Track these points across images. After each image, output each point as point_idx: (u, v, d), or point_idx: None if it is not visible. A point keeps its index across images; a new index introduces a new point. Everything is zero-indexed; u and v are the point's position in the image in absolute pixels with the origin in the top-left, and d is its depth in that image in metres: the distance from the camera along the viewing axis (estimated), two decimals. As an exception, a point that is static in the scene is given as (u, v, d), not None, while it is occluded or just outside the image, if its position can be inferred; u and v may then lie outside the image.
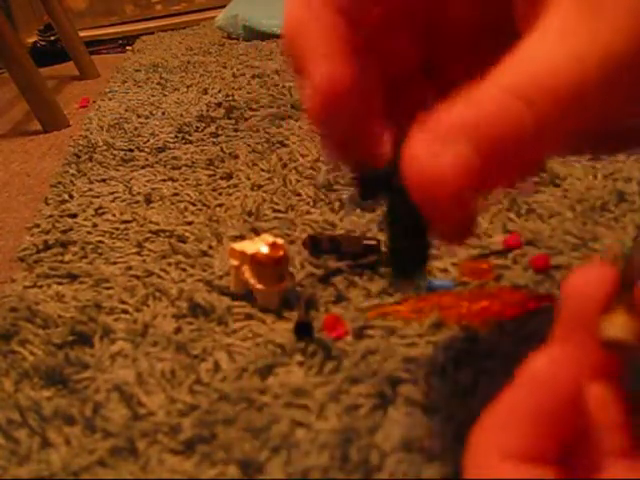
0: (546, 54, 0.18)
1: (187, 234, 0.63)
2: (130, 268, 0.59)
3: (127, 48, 1.86)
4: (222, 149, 0.84)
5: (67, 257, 0.63)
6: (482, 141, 0.18)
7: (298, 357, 0.45)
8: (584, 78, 0.17)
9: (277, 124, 0.91)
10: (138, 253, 0.62)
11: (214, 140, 0.89)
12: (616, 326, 0.17)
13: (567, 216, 0.57)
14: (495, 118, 0.18)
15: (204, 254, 0.59)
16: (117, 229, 0.67)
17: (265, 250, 0.49)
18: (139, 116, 1.04)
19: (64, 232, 0.68)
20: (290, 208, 0.66)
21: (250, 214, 0.66)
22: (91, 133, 0.99)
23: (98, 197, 0.76)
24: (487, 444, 0.17)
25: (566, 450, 0.17)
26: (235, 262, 0.51)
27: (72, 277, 0.59)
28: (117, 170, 0.84)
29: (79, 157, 0.90)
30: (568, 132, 0.18)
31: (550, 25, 0.18)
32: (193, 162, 0.82)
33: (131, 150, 0.90)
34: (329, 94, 0.20)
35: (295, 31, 0.21)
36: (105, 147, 0.92)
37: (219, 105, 1.02)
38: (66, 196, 0.77)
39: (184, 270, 0.57)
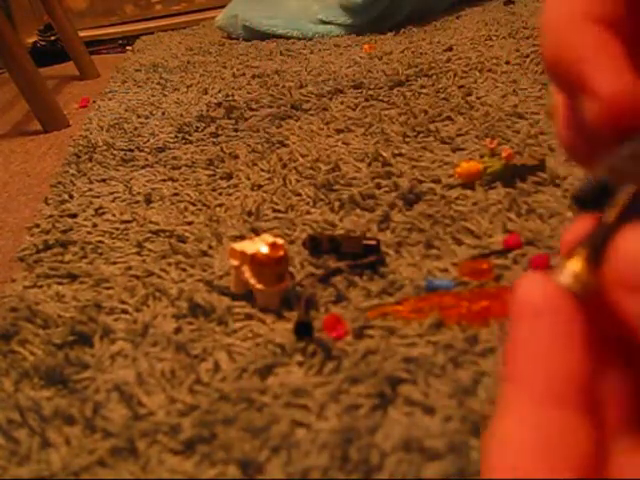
0: None
1: (187, 234, 0.63)
2: (130, 268, 0.59)
3: (127, 48, 1.86)
4: (222, 149, 0.84)
5: (67, 257, 0.63)
6: None
7: (298, 357, 0.45)
8: None
9: (277, 124, 0.91)
10: (138, 253, 0.62)
11: (214, 140, 0.89)
12: (569, 273, 0.16)
13: (567, 216, 0.57)
14: None
15: (204, 254, 0.59)
16: (117, 229, 0.67)
17: (265, 250, 0.49)
18: (139, 116, 1.04)
19: (64, 232, 0.68)
20: (290, 208, 0.66)
21: (250, 214, 0.66)
22: (91, 133, 0.99)
23: (98, 197, 0.76)
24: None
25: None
26: (235, 262, 0.51)
27: (72, 277, 0.59)
28: (117, 170, 0.84)
29: (79, 157, 0.90)
30: None
31: None
32: (193, 162, 0.82)
33: (131, 150, 0.90)
34: (619, 108, 0.19)
35: (562, 46, 0.19)
36: (105, 147, 0.92)
37: (219, 105, 1.02)
38: (66, 196, 0.77)
39: (184, 270, 0.57)
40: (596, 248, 0.16)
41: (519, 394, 0.16)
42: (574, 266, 0.16)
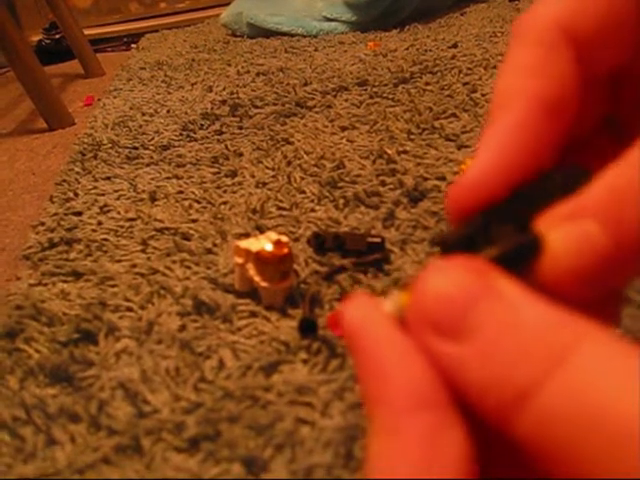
0: None
1: (192, 232, 0.63)
2: (135, 266, 0.59)
3: (132, 46, 1.86)
4: (227, 147, 0.84)
5: (72, 255, 0.63)
6: (611, 221, 0.15)
7: (302, 355, 0.45)
8: None
9: (281, 122, 0.91)
10: (143, 251, 0.62)
11: (219, 138, 0.89)
12: (395, 301, 0.17)
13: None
14: (630, 198, 0.15)
15: (209, 252, 0.59)
16: (122, 227, 0.67)
17: (269, 248, 0.49)
18: (144, 114, 1.04)
19: (69, 230, 0.68)
20: (294, 206, 0.66)
21: (255, 212, 0.66)
22: (96, 131, 0.99)
23: (103, 195, 0.76)
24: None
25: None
26: (240, 260, 0.50)
27: (77, 275, 0.59)
28: (122, 168, 0.84)
29: (84, 155, 0.90)
30: None
31: None
32: (198, 160, 0.82)
33: (136, 148, 0.90)
34: (456, 203, 0.19)
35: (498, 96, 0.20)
36: (110, 145, 0.92)
37: (224, 103, 1.02)
38: (71, 194, 0.77)
39: (189, 268, 0.57)
40: None
41: (381, 411, 0.16)
42: (403, 296, 0.17)
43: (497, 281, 0.15)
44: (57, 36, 1.85)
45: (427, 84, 0.96)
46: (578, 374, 0.13)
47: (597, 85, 0.21)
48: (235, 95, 1.05)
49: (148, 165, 0.83)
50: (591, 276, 0.16)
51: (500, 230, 0.17)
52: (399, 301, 0.17)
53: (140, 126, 0.98)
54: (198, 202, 0.70)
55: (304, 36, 1.44)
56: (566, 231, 0.16)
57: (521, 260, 0.17)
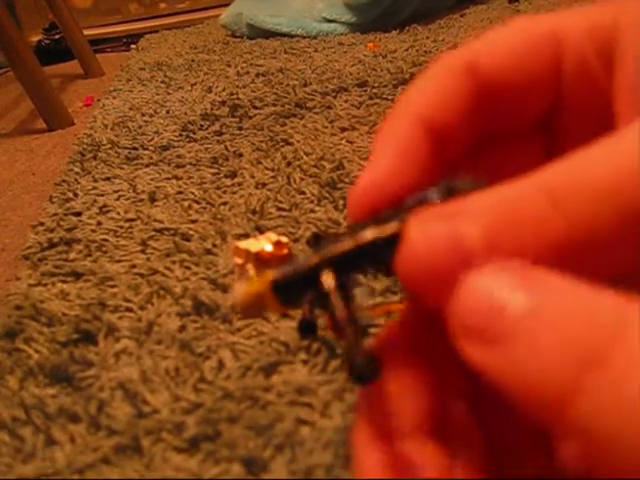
0: (598, 159, 0.14)
1: (191, 232, 0.63)
2: (134, 266, 0.59)
3: (131, 47, 1.86)
4: (226, 147, 0.84)
5: (71, 255, 0.63)
6: (490, 224, 0.15)
7: (302, 355, 0.45)
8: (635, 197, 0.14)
9: (281, 122, 0.91)
10: (142, 251, 0.62)
11: (218, 138, 0.89)
12: (240, 291, 0.17)
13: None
14: (511, 205, 0.15)
15: (208, 252, 0.59)
16: (121, 227, 0.67)
17: (269, 248, 0.49)
18: (143, 114, 1.04)
19: (68, 230, 0.68)
20: (294, 206, 0.66)
21: (254, 212, 0.66)
22: (95, 131, 0.99)
23: (102, 195, 0.76)
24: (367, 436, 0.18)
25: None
26: (239, 260, 0.50)
27: (76, 275, 0.59)
28: (121, 168, 0.84)
29: (83, 155, 0.90)
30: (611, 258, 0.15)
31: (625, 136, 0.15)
32: (197, 160, 0.82)
33: (135, 148, 0.90)
34: (359, 200, 0.20)
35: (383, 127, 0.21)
36: (109, 145, 0.92)
37: (223, 103, 1.02)
38: (70, 194, 0.77)
39: (188, 268, 0.57)
40: (285, 279, 0.18)
41: (365, 431, 0.18)
42: (248, 286, 0.17)
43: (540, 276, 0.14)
44: (57, 36, 1.85)
45: (427, 85, 0.96)
46: (618, 369, 0.12)
47: (526, 134, 0.22)
48: (235, 96, 1.05)
49: (148, 166, 0.83)
50: (450, 281, 0.15)
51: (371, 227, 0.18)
52: (245, 291, 0.17)
53: (140, 127, 0.98)
54: (198, 203, 0.70)
55: (304, 37, 1.44)
56: (429, 226, 0.16)
57: (378, 250, 0.17)
